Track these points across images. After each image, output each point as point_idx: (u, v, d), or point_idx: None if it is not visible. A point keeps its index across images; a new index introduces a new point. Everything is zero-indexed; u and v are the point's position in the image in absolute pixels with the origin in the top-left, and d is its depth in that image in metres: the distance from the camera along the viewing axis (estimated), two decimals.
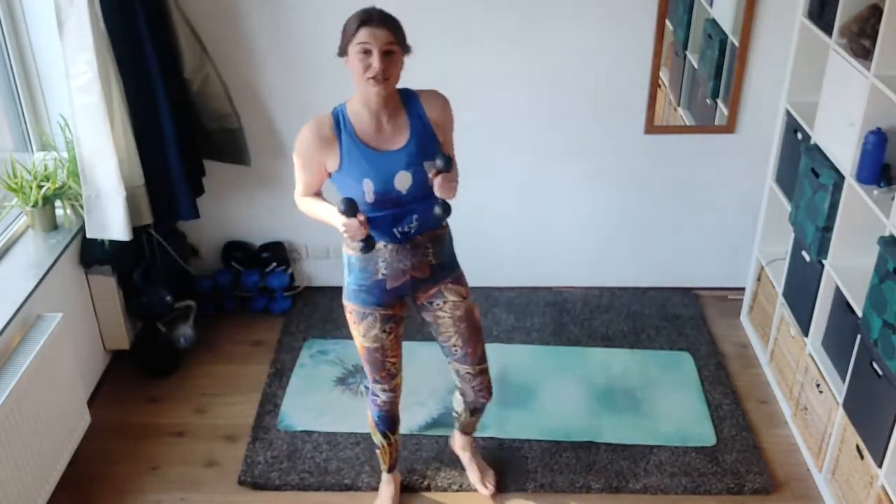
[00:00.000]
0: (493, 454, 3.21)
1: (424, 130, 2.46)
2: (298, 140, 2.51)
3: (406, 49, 2.39)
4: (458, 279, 2.68)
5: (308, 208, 2.61)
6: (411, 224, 2.52)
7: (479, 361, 2.76)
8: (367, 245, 2.43)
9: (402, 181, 2.44)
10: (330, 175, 2.51)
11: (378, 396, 2.81)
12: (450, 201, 2.45)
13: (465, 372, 2.77)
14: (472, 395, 2.83)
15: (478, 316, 2.74)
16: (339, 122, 2.45)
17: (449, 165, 2.36)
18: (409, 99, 2.48)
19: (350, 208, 2.36)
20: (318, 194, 2.60)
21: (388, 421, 2.86)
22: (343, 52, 2.39)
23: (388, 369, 2.75)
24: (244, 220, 4.04)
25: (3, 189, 3.18)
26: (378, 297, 2.63)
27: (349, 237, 2.42)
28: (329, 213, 2.49)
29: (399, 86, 2.45)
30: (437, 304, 2.67)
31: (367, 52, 2.32)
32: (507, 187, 3.91)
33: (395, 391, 2.81)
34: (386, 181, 2.42)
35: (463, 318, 2.67)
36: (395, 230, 2.52)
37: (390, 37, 2.32)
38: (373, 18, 2.33)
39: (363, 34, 2.32)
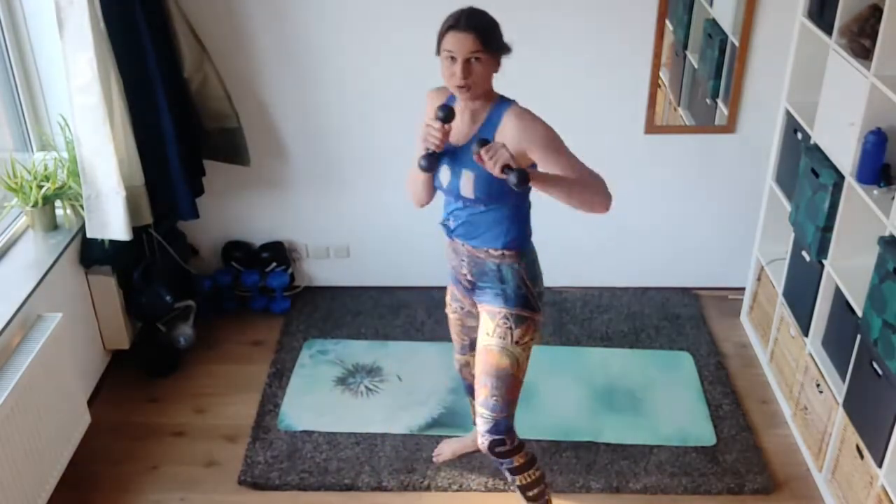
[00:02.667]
0: None
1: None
2: (427, 100, 2.53)
3: (500, 51, 2.33)
4: (493, 314, 2.55)
5: (411, 177, 2.53)
6: (449, 221, 2.54)
7: (481, 403, 2.59)
8: (428, 161, 2.36)
9: (444, 175, 2.45)
10: None
11: (454, 355, 2.97)
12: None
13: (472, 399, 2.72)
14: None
15: (495, 362, 2.54)
16: (450, 100, 2.44)
17: (521, 182, 2.21)
18: (499, 106, 2.40)
19: (446, 113, 2.30)
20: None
21: (466, 386, 3.03)
22: (438, 52, 2.34)
23: (455, 341, 2.90)
24: (244, 220, 4.04)
25: (3, 189, 3.18)
26: (452, 277, 2.72)
27: (424, 138, 2.33)
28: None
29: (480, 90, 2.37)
30: (475, 320, 2.69)
31: (452, 59, 2.28)
32: None
33: (460, 364, 2.96)
34: (437, 169, 2.46)
35: (481, 350, 2.58)
36: (444, 220, 2.56)
37: (476, 44, 2.25)
38: (459, 23, 2.26)
39: (448, 40, 2.27)
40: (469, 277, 2.59)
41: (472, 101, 2.37)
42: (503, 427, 2.58)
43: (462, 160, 2.39)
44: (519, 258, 2.52)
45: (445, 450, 3.20)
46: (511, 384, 2.56)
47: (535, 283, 2.57)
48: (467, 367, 2.94)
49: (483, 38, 2.27)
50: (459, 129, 2.40)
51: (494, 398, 2.55)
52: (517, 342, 2.54)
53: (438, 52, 2.33)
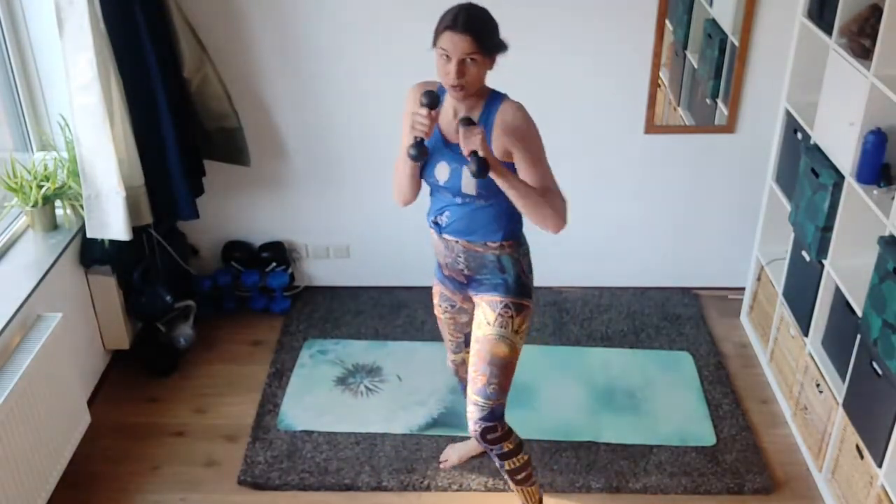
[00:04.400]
0: None
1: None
2: (408, 95, 2.52)
3: (495, 50, 2.32)
4: (494, 304, 2.56)
5: (397, 172, 2.54)
6: (442, 218, 2.53)
7: (476, 391, 2.59)
8: (418, 150, 2.34)
9: (442, 172, 2.45)
10: None
11: (447, 356, 3.01)
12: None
13: (467, 387, 2.68)
14: (467, 416, 2.68)
15: (495, 351, 2.55)
16: (439, 93, 2.43)
17: (480, 171, 2.24)
18: (491, 101, 2.42)
19: (431, 99, 2.31)
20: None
21: (462, 386, 3.05)
22: (434, 45, 2.33)
23: (448, 342, 2.94)
24: (244, 220, 4.04)
25: (3, 189, 3.18)
26: (439, 275, 2.74)
27: (412, 126, 2.32)
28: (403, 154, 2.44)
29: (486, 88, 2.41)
30: (472, 312, 2.67)
31: (447, 58, 2.27)
32: None
33: (455, 364, 3.00)
34: (431, 165, 2.46)
35: (479, 339, 2.59)
36: (434, 217, 2.56)
37: (472, 45, 2.25)
38: (457, 24, 2.25)
39: (444, 39, 2.27)
40: (466, 272, 2.60)
41: (465, 99, 2.37)
42: (498, 414, 2.61)
43: (461, 157, 2.38)
44: (517, 248, 2.57)
45: (452, 455, 3.19)
46: (509, 371, 2.60)
47: (530, 272, 2.64)
48: (463, 365, 2.95)
49: (479, 40, 2.26)
50: (456, 126, 2.39)
51: (492, 386, 2.57)
52: (516, 330, 2.58)
53: (434, 45, 2.32)
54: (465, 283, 2.64)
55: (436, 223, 2.57)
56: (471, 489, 3.10)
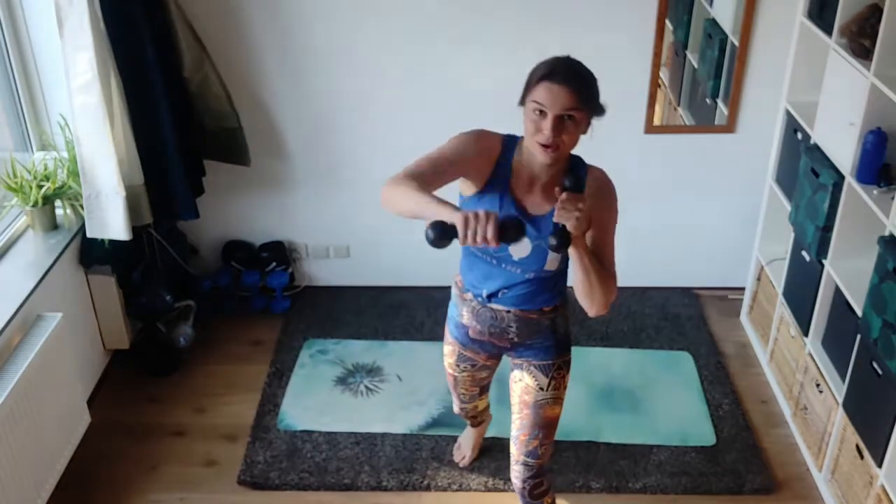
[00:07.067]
0: (493, 454, 3.21)
1: None
2: (468, 133, 2.17)
3: (595, 111, 2.07)
4: (546, 367, 2.40)
5: (406, 191, 1.98)
6: (497, 291, 2.30)
7: (526, 453, 2.46)
8: (439, 236, 1.81)
9: (520, 249, 2.19)
10: (461, 193, 2.23)
11: (455, 405, 2.93)
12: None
13: (512, 448, 2.52)
14: (512, 474, 2.56)
15: (550, 414, 2.42)
16: (506, 154, 2.17)
17: (560, 246, 1.94)
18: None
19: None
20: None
21: (469, 420, 3.03)
22: (522, 100, 2.08)
23: (460, 395, 2.81)
24: (244, 220, 4.04)
25: (3, 189, 3.18)
26: (461, 337, 2.51)
27: (461, 222, 1.79)
28: (439, 204, 1.89)
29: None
30: (515, 376, 2.47)
31: (541, 113, 2.01)
32: None
33: (466, 413, 2.93)
34: None
35: (528, 404, 2.43)
36: (482, 287, 2.32)
37: (573, 100, 1.99)
38: (557, 73, 2.00)
39: (541, 91, 2.00)
40: (516, 340, 2.39)
41: (548, 169, 2.12)
42: (545, 469, 2.54)
43: (537, 233, 2.15)
44: (566, 303, 2.41)
45: (465, 451, 3.17)
46: (556, 427, 2.50)
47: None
48: (475, 410, 2.92)
49: (581, 94, 2.02)
50: (536, 198, 2.16)
51: (544, 447, 2.47)
52: (566, 387, 2.48)
53: (522, 101, 2.08)
54: (507, 347, 2.44)
55: (488, 295, 2.32)
56: (471, 489, 3.10)
